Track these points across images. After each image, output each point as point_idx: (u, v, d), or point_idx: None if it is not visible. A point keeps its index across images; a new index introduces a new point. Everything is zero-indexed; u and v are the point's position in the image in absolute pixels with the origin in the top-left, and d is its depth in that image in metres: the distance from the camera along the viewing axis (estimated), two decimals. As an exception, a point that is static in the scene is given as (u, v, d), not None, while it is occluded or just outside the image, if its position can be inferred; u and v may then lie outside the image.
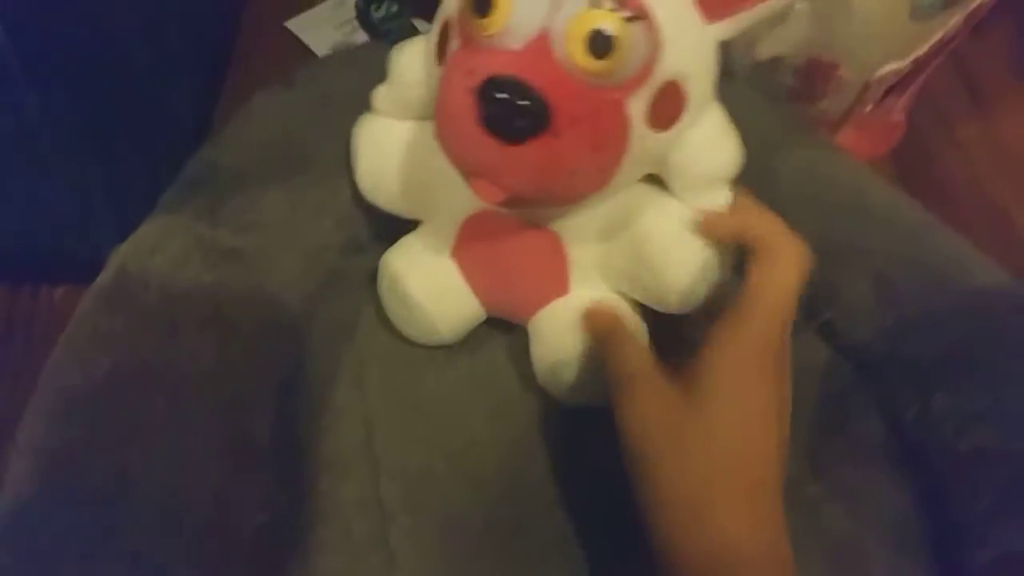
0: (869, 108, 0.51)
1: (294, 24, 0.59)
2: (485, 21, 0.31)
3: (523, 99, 0.30)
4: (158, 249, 0.37)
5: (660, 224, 0.37)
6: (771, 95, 0.49)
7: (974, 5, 0.44)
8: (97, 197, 0.44)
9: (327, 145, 0.42)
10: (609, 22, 0.30)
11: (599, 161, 0.33)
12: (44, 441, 0.32)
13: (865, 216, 0.43)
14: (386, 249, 0.42)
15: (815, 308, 0.44)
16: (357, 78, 0.44)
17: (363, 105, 0.41)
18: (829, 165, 0.45)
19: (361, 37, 0.58)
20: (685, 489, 0.31)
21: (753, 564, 0.31)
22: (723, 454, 0.32)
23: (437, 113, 0.33)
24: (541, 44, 0.31)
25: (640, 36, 0.31)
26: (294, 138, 0.42)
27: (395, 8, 0.58)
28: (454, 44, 0.33)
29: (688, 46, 0.33)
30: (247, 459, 0.35)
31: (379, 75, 0.39)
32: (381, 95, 0.40)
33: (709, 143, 0.36)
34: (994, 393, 0.38)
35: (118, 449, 0.32)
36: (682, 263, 0.36)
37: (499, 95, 0.30)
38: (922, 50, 0.46)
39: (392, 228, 0.42)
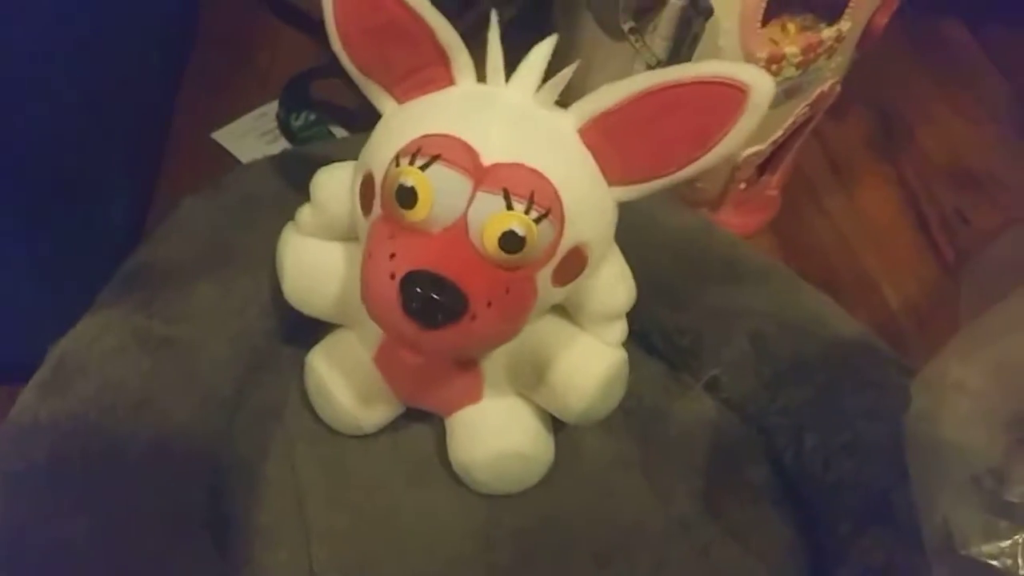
0: (743, 186, 0.57)
1: (220, 135, 0.63)
2: (407, 212, 0.34)
3: (441, 294, 0.33)
4: (96, 340, 0.40)
5: (561, 352, 0.41)
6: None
7: (815, 94, 0.51)
8: (33, 308, 0.46)
9: (252, 241, 0.46)
10: (520, 224, 0.33)
11: (511, 328, 0.37)
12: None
13: (739, 281, 0.49)
14: (311, 334, 0.46)
15: (701, 367, 0.49)
16: (279, 181, 0.48)
17: (284, 205, 0.44)
18: (705, 236, 0.51)
19: (283, 145, 0.62)
20: None
21: None
22: None
23: (363, 287, 0.35)
24: (458, 231, 0.34)
25: (548, 229, 0.34)
26: (221, 236, 0.46)
27: (313, 117, 0.63)
28: (377, 209, 0.36)
29: (592, 217, 0.36)
30: (183, 530, 0.38)
31: (297, 178, 0.43)
32: (305, 217, 0.42)
33: (605, 287, 0.40)
34: (852, 429, 0.43)
35: (63, 524, 0.34)
36: (583, 389, 0.41)
37: (419, 290, 0.33)
38: (778, 134, 0.52)
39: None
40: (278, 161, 0.51)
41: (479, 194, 0.34)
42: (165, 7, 0.62)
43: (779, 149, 0.56)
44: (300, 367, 0.46)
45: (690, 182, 0.54)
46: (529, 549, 0.43)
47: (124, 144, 0.54)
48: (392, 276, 0.33)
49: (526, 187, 0.34)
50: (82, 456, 0.36)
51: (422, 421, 0.47)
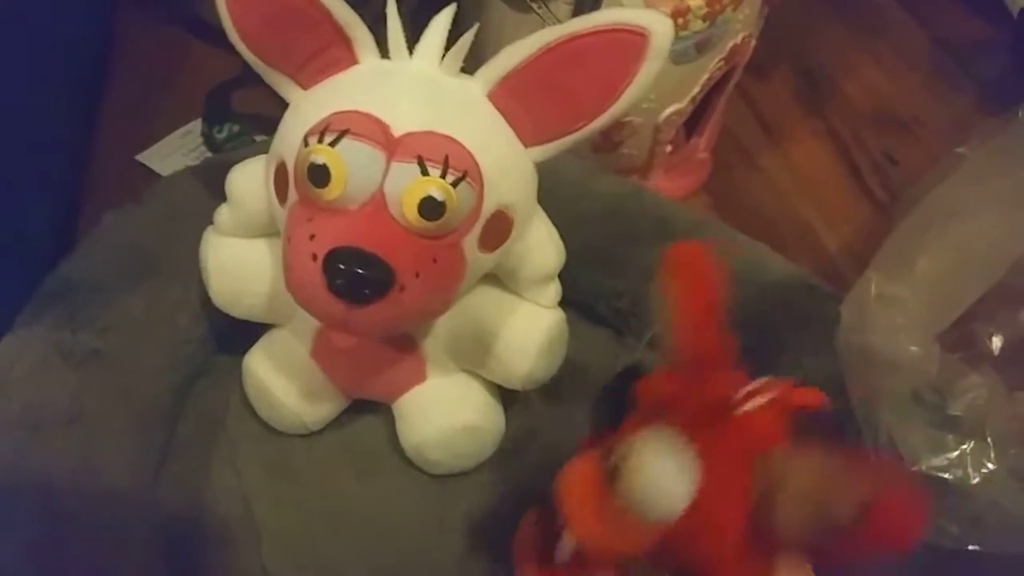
0: (669, 149, 0.57)
1: (145, 157, 0.62)
2: (322, 191, 0.33)
3: (366, 269, 0.32)
4: (17, 361, 0.39)
5: (500, 319, 0.41)
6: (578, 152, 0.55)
7: (728, 48, 0.52)
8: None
9: (177, 251, 0.45)
10: (438, 189, 0.33)
11: (442, 297, 0.36)
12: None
13: (672, 238, 0.48)
14: (246, 338, 0.45)
15: (643, 327, 0.49)
16: (200, 190, 0.48)
17: (208, 213, 0.43)
18: (636, 200, 0.50)
19: (211, 161, 0.62)
20: None
21: None
22: None
23: (286, 273, 0.35)
24: (377, 205, 0.33)
25: (467, 192, 0.34)
26: (145, 248, 0.45)
27: (236, 128, 0.62)
28: (293, 194, 0.35)
29: (511, 178, 0.36)
30: (125, 547, 0.37)
31: (219, 185, 0.41)
32: (224, 216, 0.41)
33: (535, 250, 0.40)
34: (799, 366, 0.43)
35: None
36: (525, 352, 0.41)
37: (342, 266, 0.32)
38: (696, 90, 0.53)
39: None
40: (199, 170, 0.50)
41: (393, 165, 0.33)
42: (69, 32, 0.61)
43: (701, 108, 0.57)
44: (238, 372, 0.45)
45: (616, 148, 0.55)
46: (486, 531, 0.42)
47: (36, 167, 0.53)
48: (314, 257, 0.33)
49: (439, 152, 0.34)
50: (10, 474, 0.35)
51: (369, 413, 0.46)
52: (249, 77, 0.65)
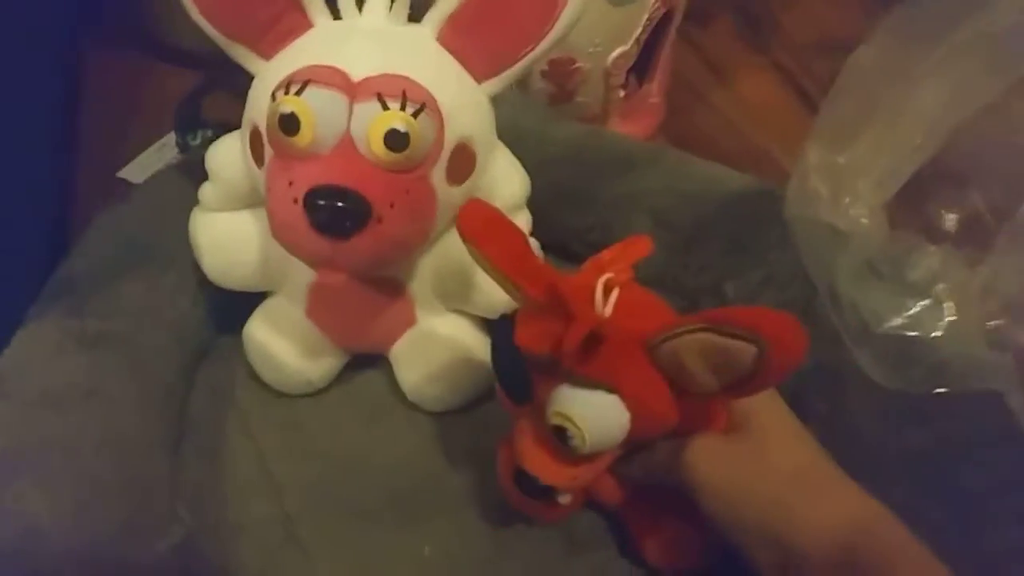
0: (623, 95, 0.60)
1: (125, 172, 0.65)
2: (294, 139, 0.36)
3: (344, 202, 0.35)
4: (32, 348, 0.41)
5: None
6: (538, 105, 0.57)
7: (663, -14, 0.54)
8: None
9: (169, 239, 0.47)
10: (399, 121, 0.36)
11: (419, 228, 0.39)
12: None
13: (632, 168, 0.51)
14: (243, 315, 0.47)
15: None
16: (184, 183, 0.50)
17: (192, 205, 0.45)
18: (596, 139, 0.53)
19: (191, 170, 0.64)
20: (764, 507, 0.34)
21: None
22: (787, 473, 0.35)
23: (271, 220, 0.38)
24: (346, 147, 0.36)
25: (427, 122, 0.37)
26: (138, 239, 0.47)
27: (210, 133, 0.64)
28: (269, 151, 0.38)
29: (468, 112, 0.39)
30: (147, 500, 0.40)
31: (201, 178, 0.45)
32: (208, 193, 0.44)
33: (502, 180, 0.43)
34: (766, 264, 0.46)
35: (24, 507, 0.35)
36: None
37: (322, 202, 0.35)
38: (639, 31, 0.55)
39: (248, 295, 0.47)
40: (180, 167, 0.52)
41: (356, 107, 0.36)
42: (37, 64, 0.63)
43: (648, 52, 0.59)
44: (240, 349, 0.48)
45: (570, 97, 0.58)
46: (487, 459, 0.45)
47: (24, 191, 0.56)
48: (295, 201, 0.36)
49: (396, 88, 0.37)
50: (36, 445, 0.37)
51: (368, 368, 0.49)
52: (217, 83, 0.68)
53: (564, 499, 0.39)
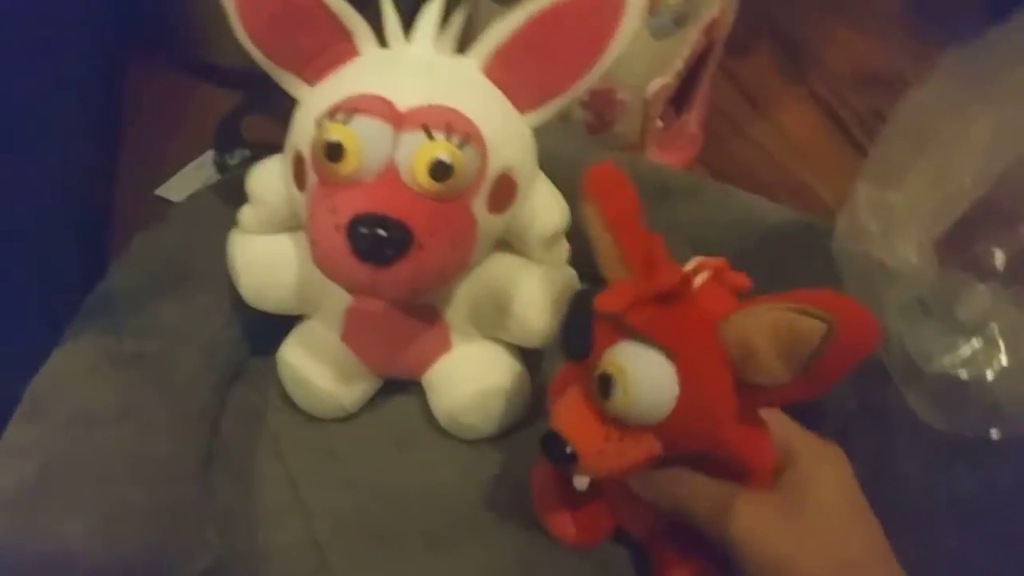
0: (661, 125, 0.59)
1: (164, 190, 0.65)
2: (338, 166, 0.36)
3: (386, 230, 0.35)
4: (68, 367, 0.41)
5: (514, 281, 0.43)
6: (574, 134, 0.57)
7: (706, 21, 0.54)
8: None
9: (206, 261, 0.47)
10: (444, 151, 0.36)
11: (459, 256, 0.39)
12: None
13: (671, 198, 0.51)
14: (278, 338, 0.47)
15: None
16: (222, 205, 0.50)
17: (230, 225, 0.45)
18: (632, 167, 0.52)
19: (226, 188, 0.65)
20: None
21: None
22: None
23: (312, 246, 0.38)
24: (390, 175, 0.36)
25: (472, 153, 0.37)
26: (175, 260, 0.47)
27: (248, 153, 0.65)
28: (311, 177, 0.38)
29: (511, 143, 0.39)
30: (179, 523, 0.39)
31: (239, 200, 0.45)
32: (247, 215, 0.44)
33: (542, 210, 0.43)
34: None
35: (59, 528, 0.35)
36: (541, 308, 0.43)
37: (364, 230, 0.35)
38: (679, 64, 0.55)
39: (282, 317, 0.47)
40: (218, 188, 0.53)
41: (401, 136, 0.36)
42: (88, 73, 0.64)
43: (688, 83, 0.59)
44: (273, 372, 0.47)
45: (608, 127, 0.58)
46: (524, 489, 0.44)
47: (65, 210, 0.56)
48: (337, 228, 0.36)
49: (442, 120, 0.37)
50: (69, 466, 0.37)
51: (401, 393, 0.48)
52: (256, 104, 0.68)
53: (580, 483, 0.38)
